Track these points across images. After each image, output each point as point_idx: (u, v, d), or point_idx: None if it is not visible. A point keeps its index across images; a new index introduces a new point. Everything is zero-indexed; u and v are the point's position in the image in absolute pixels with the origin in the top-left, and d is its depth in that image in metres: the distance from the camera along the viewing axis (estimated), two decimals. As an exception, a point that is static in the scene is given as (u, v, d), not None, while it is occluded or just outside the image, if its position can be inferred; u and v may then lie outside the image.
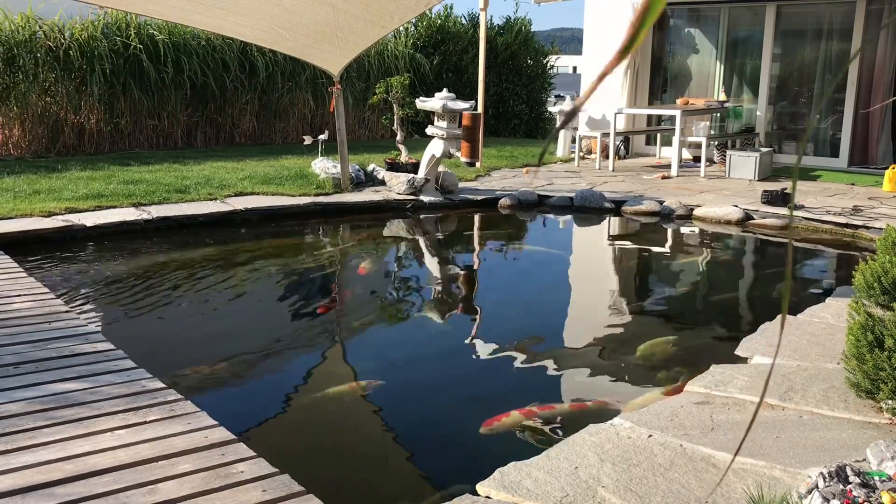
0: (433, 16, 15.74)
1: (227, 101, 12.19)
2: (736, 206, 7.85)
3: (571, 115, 0.77)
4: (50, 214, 6.69)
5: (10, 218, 6.48)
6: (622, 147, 11.95)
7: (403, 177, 8.49)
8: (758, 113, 11.50)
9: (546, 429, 3.35)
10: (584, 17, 12.63)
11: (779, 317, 4.46)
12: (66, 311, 4.17)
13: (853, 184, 9.48)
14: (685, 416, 3.09)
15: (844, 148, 10.85)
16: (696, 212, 7.91)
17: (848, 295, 4.51)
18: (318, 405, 3.78)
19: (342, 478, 3.03)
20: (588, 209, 8.29)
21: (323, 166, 8.88)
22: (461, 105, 8.20)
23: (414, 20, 15.20)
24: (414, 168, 8.83)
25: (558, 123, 12.91)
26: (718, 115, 11.81)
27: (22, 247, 5.94)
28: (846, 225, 7.22)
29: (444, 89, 8.64)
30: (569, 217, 8.25)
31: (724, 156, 10.43)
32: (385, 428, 3.55)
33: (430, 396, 3.89)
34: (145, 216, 6.93)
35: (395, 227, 7.93)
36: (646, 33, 0.62)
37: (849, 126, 10.77)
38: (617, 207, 8.25)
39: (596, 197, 8.36)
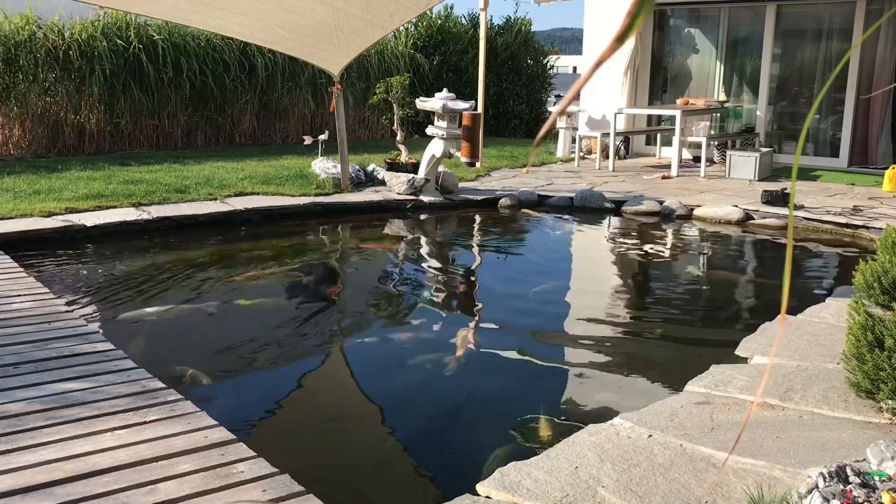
0: (433, 16, 15.74)
1: (226, 101, 12.19)
2: (736, 206, 7.85)
3: (570, 101, 0.77)
4: (50, 214, 6.69)
5: (10, 218, 6.48)
6: (622, 147, 11.95)
7: (403, 177, 8.49)
8: (758, 113, 11.50)
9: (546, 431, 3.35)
10: (584, 17, 12.63)
11: (779, 317, 4.46)
12: (66, 311, 4.17)
13: (853, 184, 9.48)
14: (685, 416, 3.09)
15: (844, 148, 10.85)
16: (697, 212, 7.91)
17: (848, 295, 4.51)
18: (318, 405, 3.78)
19: (342, 478, 3.03)
20: (588, 209, 8.30)
21: (323, 166, 8.88)
22: (461, 105, 8.20)
23: (414, 20, 15.20)
24: (414, 168, 8.83)
25: (559, 123, 12.91)
26: (718, 115, 11.81)
27: (22, 247, 5.94)
28: (846, 225, 7.22)
29: (444, 89, 8.64)
30: (569, 217, 8.25)
31: (724, 156, 10.43)
32: (385, 428, 3.55)
33: (430, 397, 3.89)
34: (145, 216, 6.93)
35: (395, 227, 7.93)
36: (641, 22, 0.62)
37: (849, 126, 10.77)
38: (617, 207, 8.25)
39: (596, 197, 8.36)
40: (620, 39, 0.62)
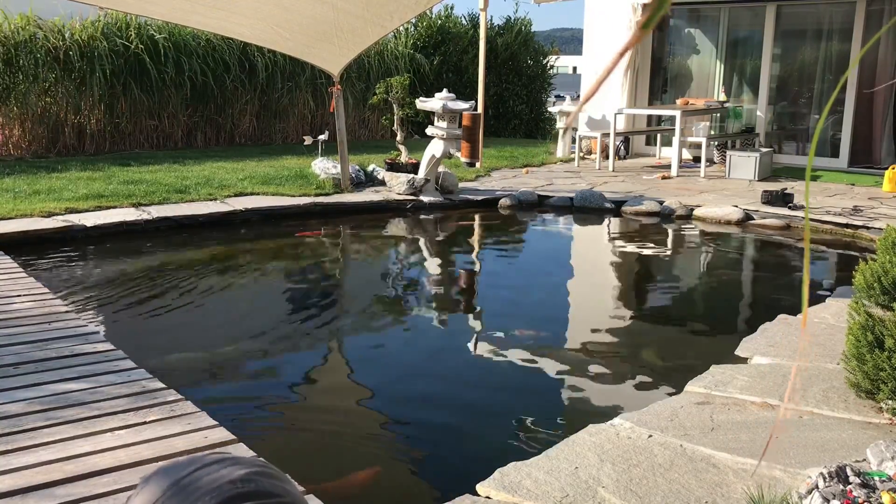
0: (433, 16, 15.74)
1: (227, 101, 12.18)
2: (736, 206, 7.85)
3: (595, 90, 0.77)
4: (50, 215, 6.69)
5: (10, 218, 6.48)
6: (622, 147, 11.94)
7: (403, 177, 8.49)
8: (758, 113, 11.50)
9: (545, 430, 3.35)
10: (584, 17, 12.63)
11: (779, 317, 4.46)
12: (66, 312, 4.17)
13: (853, 184, 9.48)
14: (685, 416, 3.09)
15: (845, 148, 10.84)
16: (697, 212, 7.91)
17: (848, 295, 4.51)
18: (318, 406, 3.78)
19: (342, 478, 3.03)
20: (588, 209, 8.29)
21: (323, 166, 8.88)
22: (461, 105, 8.20)
23: (414, 20, 15.20)
24: (414, 168, 8.83)
25: (559, 123, 12.92)
26: (718, 115, 11.80)
27: (22, 247, 5.94)
28: (846, 225, 7.22)
29: (444, 89, 8.64)
30: (569, 217, 8.25)
31: (724, 156, 10.43)
32: (385, 428, 3.55)
33: (429, 397, 3.89)
34: (145, 216, 6.93)
35: (395, 228, 7.93)
36: (667, 7, 0.62)
37: (849, 126, 10.77)
38: (617, 208, 8.25)
39: (596, 197, 8.36)
40: (646, 26, 0.62)
